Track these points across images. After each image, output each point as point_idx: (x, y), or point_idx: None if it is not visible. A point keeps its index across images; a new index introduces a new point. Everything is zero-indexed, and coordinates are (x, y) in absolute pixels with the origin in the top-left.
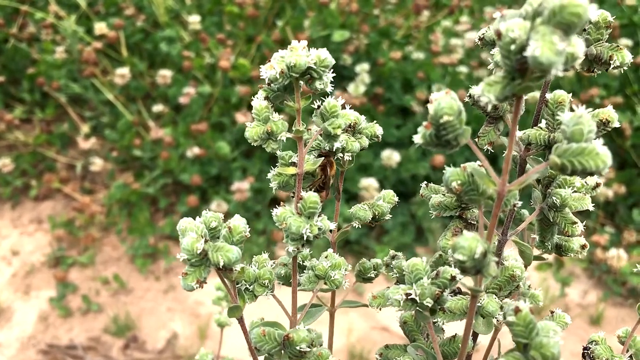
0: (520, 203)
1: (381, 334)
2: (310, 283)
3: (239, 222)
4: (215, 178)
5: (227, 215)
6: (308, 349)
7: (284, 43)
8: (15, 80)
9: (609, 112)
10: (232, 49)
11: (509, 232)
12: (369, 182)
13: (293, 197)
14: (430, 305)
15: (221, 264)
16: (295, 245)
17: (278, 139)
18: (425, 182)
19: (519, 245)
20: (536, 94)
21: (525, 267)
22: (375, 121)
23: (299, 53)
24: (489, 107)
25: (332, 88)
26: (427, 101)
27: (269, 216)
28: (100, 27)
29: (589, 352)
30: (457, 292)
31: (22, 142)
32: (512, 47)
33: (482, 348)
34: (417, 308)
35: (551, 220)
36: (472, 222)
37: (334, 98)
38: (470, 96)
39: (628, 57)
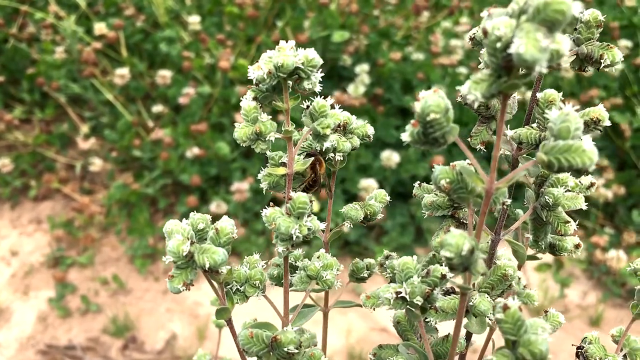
0: (509, 201)
1: (380, 334)
2: (302, 283)
3: (226, 224)
4: (215, 178)
5: (227, 216)
6: (296, 351)
7: None
8: (15, 80)
9: (600, 111)
10: (232, 50)
11: (503, 231)
12: (368, 183)
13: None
14: (420, 303)
15: (207, 266)
16: (285, 245)
17: (267, 139)
18: (419, 182)
19: (512, 244)
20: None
21: (519, 266)
22: (374, 122)
23: (286, 53)
24: (476, 105)
25: (332, 88)
26: None
27: None
28: (100, 28)
29: (582, 351)
30: (449, 292)
31: (21, 142)
32: (498, 44)
33: (480, 348)
34: (408, 306)
35: (544, 220)
36: (464, 222)
37: (330, 98)
38: (461, 96)
39: (618, 56)
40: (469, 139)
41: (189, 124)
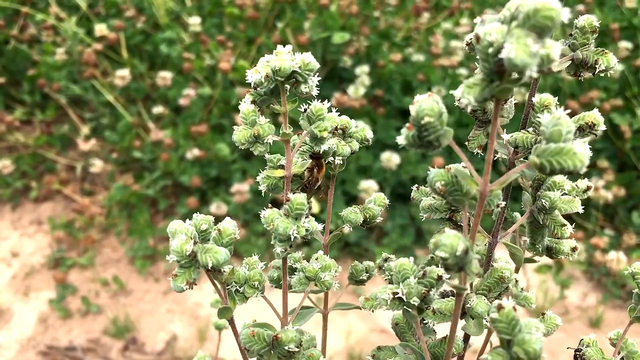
0: (504, 203)
1: (380, 335)
2: (300, 285)
3: (228, 225)
4: (215, 180)
5: (227, 217)
6: (297, 349)
7: (284, 45)
8: (16, 81)
9: (595, 115)
10: (232, 51)
11: (500, 234)
12: (368, 184)
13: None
14: (417, 304)
15: (210, 265)
16: (283, 246)
17: (265, 142)
18: (417, 185)
19: (509, 247)
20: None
21: (517, 269)
22: (375, 123)
23: (283, 57)
24: (469, 109)
25: (332, 90)
26: None
27: None
28: (100, 29)
29: (580, 354)
30: (447, 295)
31: (22, 143)
32: (490, 50)
33: (479, 349)
34: (405, 307)
35: (541, 223)
36: (462, 225)
37: (328, 101)
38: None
39: (613, 61)
40: (466, 143)
41: (189, 125)
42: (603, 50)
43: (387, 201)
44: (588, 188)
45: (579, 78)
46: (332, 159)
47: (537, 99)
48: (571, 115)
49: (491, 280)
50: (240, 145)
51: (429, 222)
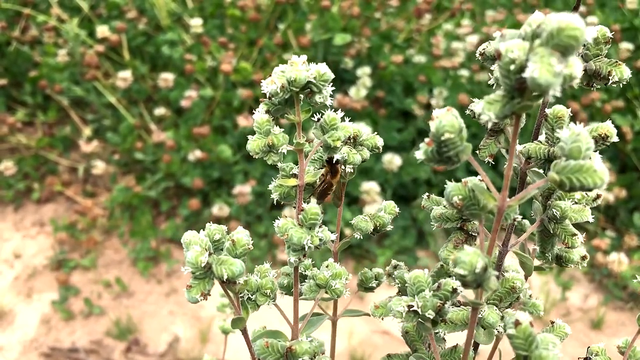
0: (520, 217)
1: (382, 337)
2: (311, 292)
3: (242, 235)
4: (217, 181)
5: (229, 219)
6: None
7: (285, 46)
8: (18, 83)
9: (608, 127)
10: (234, 52)
11: (510, 243)
12: (370, 186)
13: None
14: (432, 317)
15: (225, 277)
16: (297, 255)
17: (279, 151)
18: (427, 193)
19: (519, 256)
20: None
21: (526, 277)
22: (376, 125)
23: (299, 68)
24: (490, 125)
25: (333, 91)
26: (428, 105)
27: (270, 219)
28: (102, 30)
29: None
30: (457, 304)
31: (24, 145)
32: (512, 67)
33: (484, 352)
34: (419, 319)
35: (551, 232)
36: (473, 234)
37: (332, 110)
38: (471, 111)
39: (627, 73)
40: (477, 152)
41: (191, 126)
42: (616, 62)
43: (397, 209)
44: (598, 196)
45: (592, 88)
46: (343, 167)
47: (550, 110)
48: (572, 117)
49: (502, 290)
50: (254, 155)
51: (430, 224)
